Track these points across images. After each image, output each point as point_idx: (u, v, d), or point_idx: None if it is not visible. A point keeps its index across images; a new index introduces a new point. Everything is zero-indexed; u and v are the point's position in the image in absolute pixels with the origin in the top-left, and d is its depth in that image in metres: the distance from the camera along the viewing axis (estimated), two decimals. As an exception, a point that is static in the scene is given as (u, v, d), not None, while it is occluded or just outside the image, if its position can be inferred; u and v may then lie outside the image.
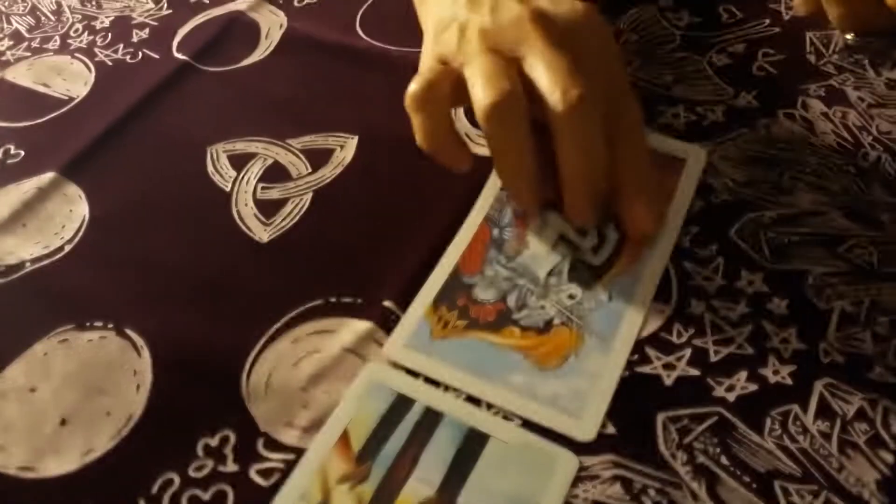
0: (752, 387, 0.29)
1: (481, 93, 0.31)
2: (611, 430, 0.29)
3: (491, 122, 0.31)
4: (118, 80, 0.46)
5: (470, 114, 0.41)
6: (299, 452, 0.29)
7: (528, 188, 0.33)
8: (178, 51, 0.47)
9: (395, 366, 0.31)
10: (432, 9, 0.38)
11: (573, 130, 0.31)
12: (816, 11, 0.41)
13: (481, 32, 0.33)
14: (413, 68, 0.44)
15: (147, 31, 0.49)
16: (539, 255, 0.34)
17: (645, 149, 0.34)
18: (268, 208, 0.38)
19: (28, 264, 0.37)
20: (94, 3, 0.52)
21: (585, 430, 0.28)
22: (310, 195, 0.38)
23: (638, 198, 0.33)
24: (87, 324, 0.34)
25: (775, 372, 0.30)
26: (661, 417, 0.29)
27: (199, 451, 0.30)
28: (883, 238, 0.34)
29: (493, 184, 0.37)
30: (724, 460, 0.28)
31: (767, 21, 0.44)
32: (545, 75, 0.31)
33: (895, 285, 0.32)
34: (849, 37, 0.42)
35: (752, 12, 0.45)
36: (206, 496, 0.28)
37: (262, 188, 0.39)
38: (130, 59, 0.47)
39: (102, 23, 0.50)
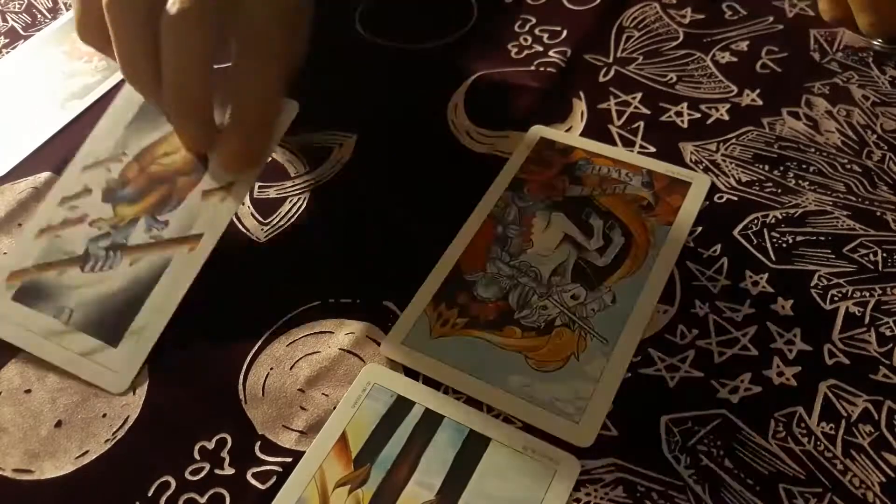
0: (756, 388, 0.29)
1: None
2: (613, 432, 0.28)
3: (106, 8, 0.32)
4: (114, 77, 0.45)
5: (471, 111, 0.41)
6: (297, 455, 0.29)
7: (145, 92, 0.33)
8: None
9: (393, 364, 0.31)
10: None
11: (166, 37, 0.31)
12: (844, 18, 0.41)
13: None
14: (414, 65, 0.44)
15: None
16: (543, 253, 0.34)
17: (256, 79, 0.32)
18: (265, 207, 0.38)
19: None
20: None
21: (584, 436, 0.28)
22: (308, 194, 0.38)
23: (230, 132, 0.32)
24: (83, 324, 0.34)
25: (780, 373, 0.30)
26: (664, 420, 0.29)
27: (196, 453, 0.29)
28: (888, 238, 0.33)
29: (498, 181, 0.37)
30: (727, 463, 0.27)
31: (771, 18, 0.44)
32: None
33: (901, 286, 0.32)
34: (876, 43, 0.41)
35: (755, 9, 0.44)
36: (203, 500, 0.28)
37: (260, 187, 0.39)
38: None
39: (99, 20, 0.50)
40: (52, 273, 0.33)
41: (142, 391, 0.31)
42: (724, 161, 0.37)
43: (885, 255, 0.33)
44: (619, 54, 0.43)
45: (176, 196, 0.34)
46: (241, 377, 0.31)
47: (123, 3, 0.32)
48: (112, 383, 0.31)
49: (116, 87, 0.45)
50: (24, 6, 0.51)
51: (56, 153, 0.41)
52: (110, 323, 0.32)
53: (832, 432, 0.28)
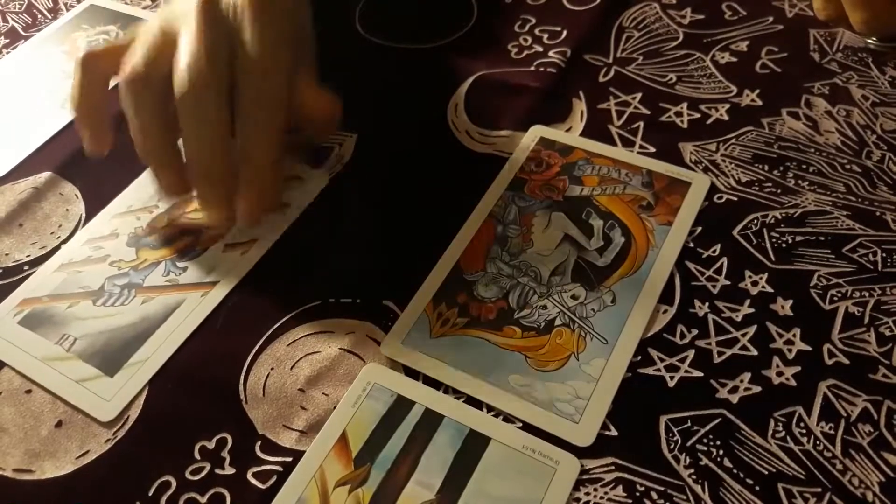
0: (756, 388, 0.29)
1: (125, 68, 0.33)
2: (613, 432, 0.28)
3: (121, 95, 0.33)
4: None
5: (471, 111, 0.41)
6: (297, 455, 0.29)
7: (160, 166, 0.34)
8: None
9: (393, 363, 0.31)
10: None
11: (184, 115, 0.32)
12: (838, 16, 0.41)
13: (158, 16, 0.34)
14: (414, 65, 0.44)
15: (144, 28, 0.49)
16: (543, 253, 0.34)
17: (263, 134, 0.33)
18: (266, 207, 0.38)
19: (26, 267, 0.36)
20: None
21: (583, 435, 0.28)
22: (308, 194, 0.38)
23: (245, 190, 0.33)
24: (84, 324, 0.34)
25: (779, 373, 0.30)
26: (663, 419, 0.29)
27: (196, 453, 0.29)
28: (888, 238, 0.33)
29: (498, 181, 0.37)
30: (727, 463, 0.28)
31: (771, 18, 0.44)
32: (178, 59, 0.32)
33: (900, 286, 0.32)
34: (871, 41, 0.41)
35: (755, 9, 0.45)
36: (203, 499, 0.28)
37: (261, 187, 0.39)
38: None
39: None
40: (63, 304, 0.34)
41: (142, 391, 0.31)
42: (724, 161, 0.37)
43: (884, 255, 0.33)
44: (619, 54, 0.43)
45: (199, 246, 0.35)
46: (242, 377, 0.31)
47: (144, 81, 0.33)
48: (100, 411, 0.30)
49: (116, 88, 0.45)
50: (24, 6, 0.51)
51: (56, 153, 0.41)
52: (111, 354, 0.32)
53: (832, 432, 0.28)
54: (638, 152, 0.38)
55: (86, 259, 0.35)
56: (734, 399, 0.29)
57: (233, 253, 0.35)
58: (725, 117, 0.39)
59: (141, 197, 0.38)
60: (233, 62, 0.33)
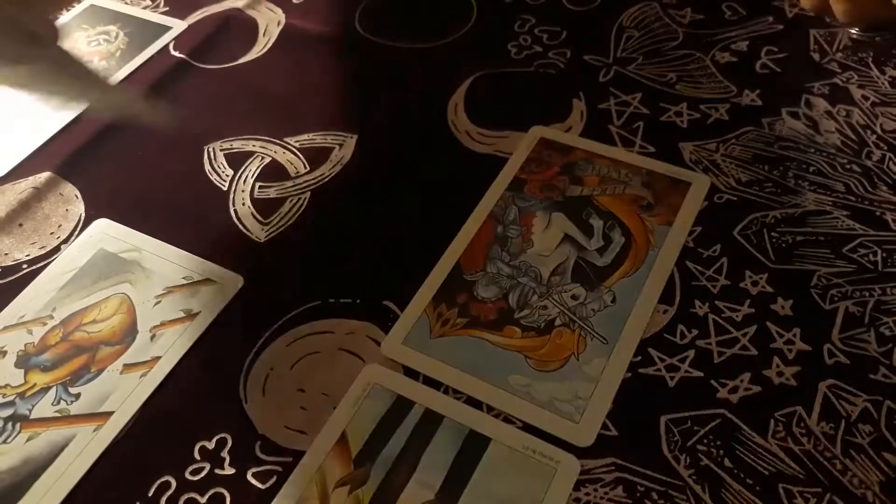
0: (756, 388, 0.29)
1: None
2: (613, 432, 0.28)
3: None
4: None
5: (471, 111, 0.41)
6: (297, 455, 0.29)
7: None
8: (174, 48, 0.47)
9: (393, 364, 0.31)
10: None
11: None
12: (822, 7, 0.41)
13: None
14: (414, 65, 0.44)
15: (144, 28, 0.49)
16: (543, 253, 0.34)
17: None
18: (265, 207, 0.38)
19: (24, 266, 0.36)
20: None
21: (583, 435, 0.28)
22: (308, 194, 0.38)
23: None
24: (83, 324, 0.34)
25: (779, 373, 0.30)
26: (663, 420, 0.29)
27: (196, 453, 0.29)
28: (888, 238, 0.33)
29: (498, 181, 0.37)
30: (727, 463, 0.27)
31: (771, 18, 0.44)
32: None
33: (900, 286, 0.32)
34: (853, 31, 0.42)
35: (755, 9, 0.45)
36: (203, 500, 0.28)
37: (260, 187, 0.39)
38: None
39: (99, 20, 0.50)
40: None
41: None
42: (724, 161, 0.37)
43: (884, 255, 0.33)
44: (619, 54, 0.43)
45: (94, 367, 0.31)
46: (242, 377, 0.31)
47: None
48: None
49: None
50: (24, 6, 0.51)
51: (56, 153, 0.41)
52: None
53: (832, 432, 0.28)
54: (638, 152, 0.38)
55: None
56: (734, 399, 0.29)
57: (131, 374, 0.31)
58: (725, 117, 0.39)
59: (34, 306, 0.34)
60: None
